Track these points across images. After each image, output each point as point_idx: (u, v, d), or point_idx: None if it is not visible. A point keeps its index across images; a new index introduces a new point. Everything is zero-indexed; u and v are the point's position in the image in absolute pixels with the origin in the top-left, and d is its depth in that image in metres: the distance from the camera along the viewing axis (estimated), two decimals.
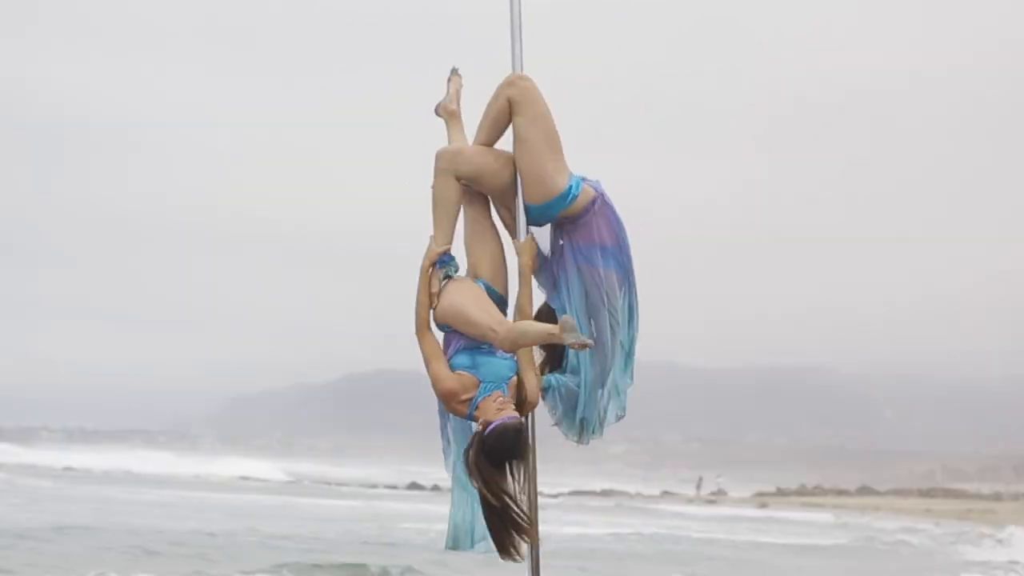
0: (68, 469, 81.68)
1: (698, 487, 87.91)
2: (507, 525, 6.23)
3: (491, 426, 6.22)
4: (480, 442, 6.25)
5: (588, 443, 6.62)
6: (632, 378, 6.62)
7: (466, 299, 6.39)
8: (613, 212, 6.44)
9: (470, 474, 6.24)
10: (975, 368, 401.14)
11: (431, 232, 6.44)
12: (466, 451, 6.30)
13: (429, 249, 6.39)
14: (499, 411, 6.26)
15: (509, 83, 6.43)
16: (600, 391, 6.50)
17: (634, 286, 6.48)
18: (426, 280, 6.39)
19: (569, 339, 6.05)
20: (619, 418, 6.59)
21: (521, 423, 6.27)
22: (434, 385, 6.36)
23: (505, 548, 6.29)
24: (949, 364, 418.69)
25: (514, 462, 6.26)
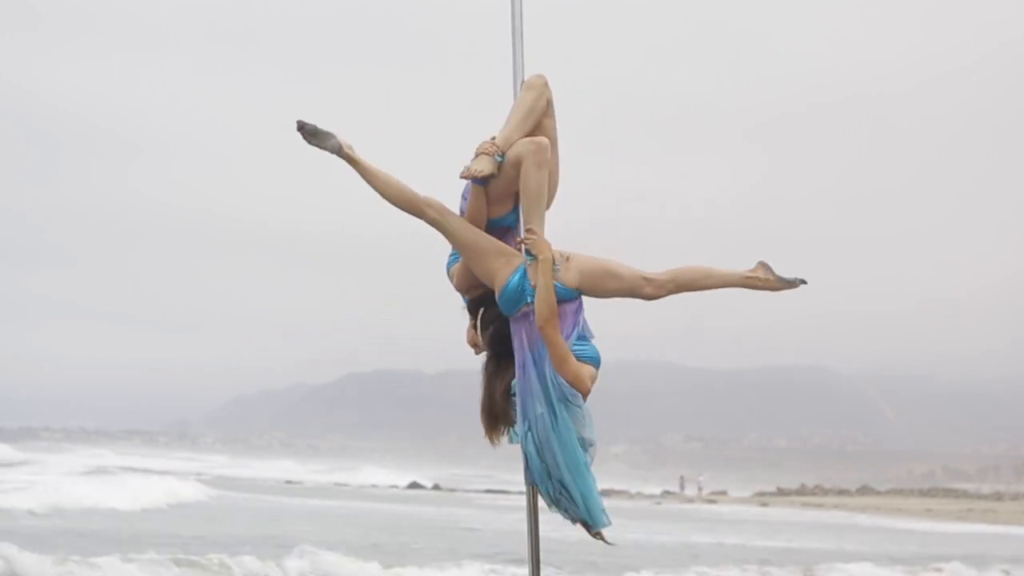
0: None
1: (681, 487, 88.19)
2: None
3: None
4: None
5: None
6: None
7: (598, 257, 6.41)
8: None
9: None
10: (975, 368, 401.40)
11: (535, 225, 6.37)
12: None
13: (544, 240, 6.29)
14: None
15: (546, 84, 6.46)
16: None
17: None
18: (551, 271, 6.27)
19: (782, 279, 6.29)
20: None
21: None
22: (575, 384, 6.23)
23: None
24: (949, 364, 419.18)
25: None
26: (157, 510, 40.17)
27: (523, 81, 6.58)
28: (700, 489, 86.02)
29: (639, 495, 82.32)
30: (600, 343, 6.46)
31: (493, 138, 6.45)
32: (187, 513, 39.86)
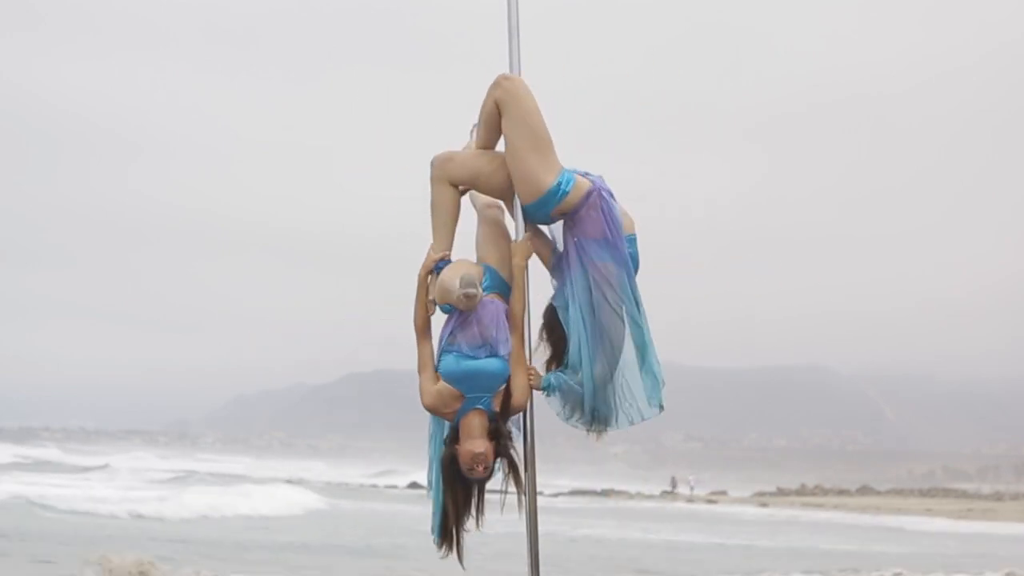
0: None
1: (673, 486, 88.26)
2: (450, 532, 6.34)
3: (458, 454, 6.18)
4: (449, 462, 6.23)
5: (615, 429, 6.54)
6: (657, 370, 6.47)
7: (449, 268, 6.33)
8: (608, 205, 6.40)
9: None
10: (975, 368, 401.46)
11: (431, 240, 6.38)
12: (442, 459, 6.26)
13: (427, 256, 6.33)
14: (469, 438, 6.16)
15: (495, 84, 6.36)
16: (610, 387, 6.40)
17: (633, 278, 6.42)
18: (424, 286, 6.31)
19: (457, 292, 6.10)
20: (661, 410, 6.47)
21: (484, 456, 6.18)
22: (420, 396, 6.30)
23: (449, 546, 6.39)
24: (949, 364, 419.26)
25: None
26: (293, 517, 39.55)
27: None
28: (691, 488, 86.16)
29: (639, 495, 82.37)
30: None
31: None
32: (325, 520, 38.87)
